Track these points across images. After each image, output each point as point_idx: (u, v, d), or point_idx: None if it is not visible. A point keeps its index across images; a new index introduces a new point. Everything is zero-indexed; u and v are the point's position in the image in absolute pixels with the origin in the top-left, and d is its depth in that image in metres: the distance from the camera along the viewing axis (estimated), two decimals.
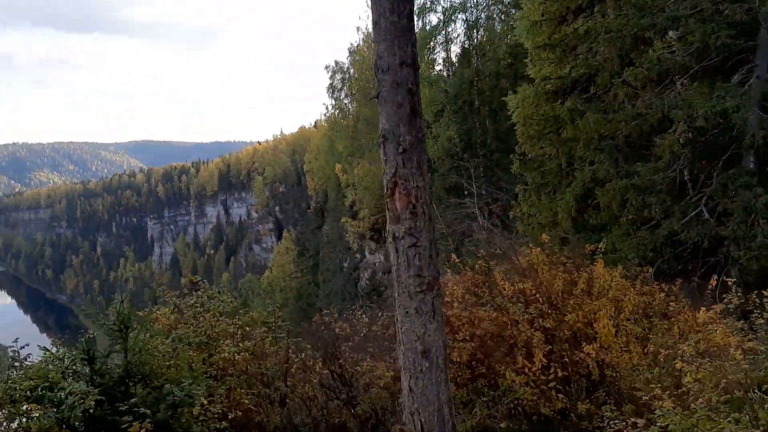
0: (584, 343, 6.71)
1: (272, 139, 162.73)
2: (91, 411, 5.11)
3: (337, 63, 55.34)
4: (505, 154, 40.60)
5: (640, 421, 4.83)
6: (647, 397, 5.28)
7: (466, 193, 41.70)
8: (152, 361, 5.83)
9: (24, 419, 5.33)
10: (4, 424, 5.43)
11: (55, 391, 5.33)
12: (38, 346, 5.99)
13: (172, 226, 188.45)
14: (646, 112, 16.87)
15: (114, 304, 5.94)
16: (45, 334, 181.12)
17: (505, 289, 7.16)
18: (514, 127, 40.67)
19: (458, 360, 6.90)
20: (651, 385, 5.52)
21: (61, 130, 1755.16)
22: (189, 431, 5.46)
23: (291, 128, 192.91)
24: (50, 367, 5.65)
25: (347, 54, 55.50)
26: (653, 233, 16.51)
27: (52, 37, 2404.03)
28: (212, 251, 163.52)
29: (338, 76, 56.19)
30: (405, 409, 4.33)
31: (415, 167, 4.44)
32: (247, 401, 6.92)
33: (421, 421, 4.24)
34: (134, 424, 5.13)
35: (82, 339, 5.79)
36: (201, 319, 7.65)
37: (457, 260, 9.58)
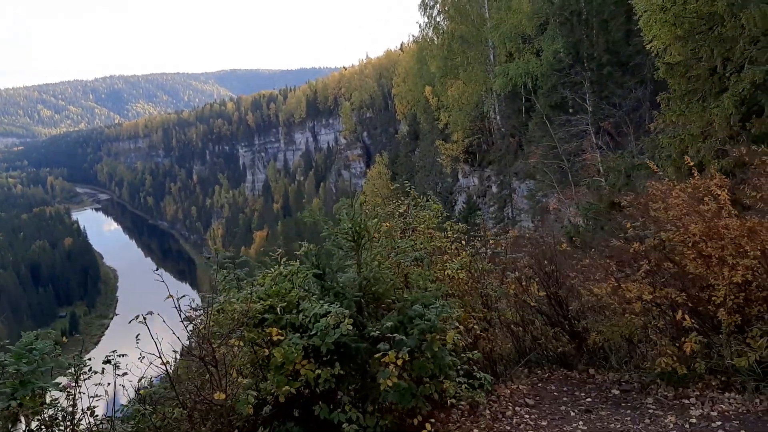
0: None
1: (358, 63, 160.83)
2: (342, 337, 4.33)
3: None
4: (616, 68, 37.94)
5: None
6: None
7: (571, 110, 39.42)
8: (386, 278, 5.00)
9: (257, 347, 4.56)
10: (233, 351, 4.69)
11: (295, 312, 4.58)
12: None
13: (262, 153, 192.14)
14: None
15: (341, 208, 5.08)
16: (149, 258, 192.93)
17: None
18: (629, 38, 37.75)
19: (730, 281, 5.76)
20: None
21: (153, 62, 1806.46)
22: (442, 363, 4.67)
23: (376, 52, 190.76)
24: (286, 284, 4.83)
25: None
26: None
27: None
28: (302, 177, 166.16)
29: None
30: None
31: None
32: (476, 326, 6.07)
33: None
34: (390, 353, 4.36)
35: (308, 252, 4.98)
36: (414, 231, 6.79)
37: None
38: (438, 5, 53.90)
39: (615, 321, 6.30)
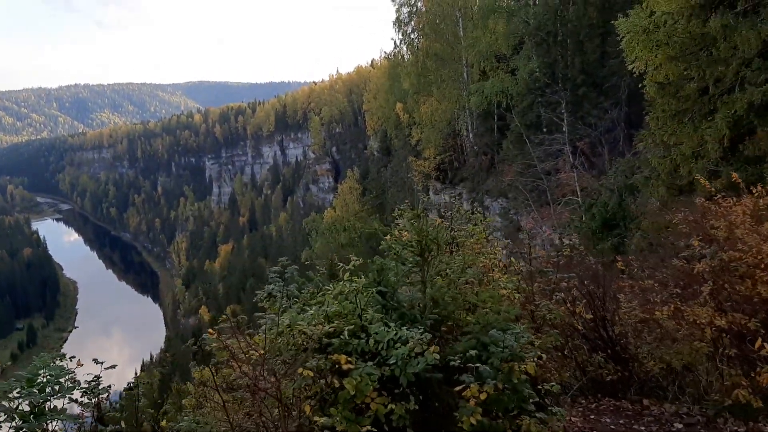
0: None
1: (328, 79, 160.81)
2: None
3: None
4: (591, 88, 38.32)
5: None
6: None
7: (545, 130, 39.72)
8: (455, 298, 4.51)
9: (320, 378, 3.93)
10: (289, 384, 4.03)
11: (364, 336, 3.98)
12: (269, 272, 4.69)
13: (229, 166, 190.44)
14: None
15: (405, 219, 4.56)
16: (111, 270, 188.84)
17: None
18: (605, 60, 38.25)
19: None
20: None
21: (120, 72, 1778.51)
22: (521, 396, 4.19)
23: (347, 68, 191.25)
24: (348, 304, 4.16)
25: None
26: None
27: None
28: (269, 191, 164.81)
29: (405, 10, 53.76)
30: None
31: None
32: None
33: None
34: (472, 386, 3.87)
35: (373, 267, 4.41)
36: (460, 247, 6.27)
37: None
38: (413, 23, 54.08)
39: (678, 348, 5.87)
